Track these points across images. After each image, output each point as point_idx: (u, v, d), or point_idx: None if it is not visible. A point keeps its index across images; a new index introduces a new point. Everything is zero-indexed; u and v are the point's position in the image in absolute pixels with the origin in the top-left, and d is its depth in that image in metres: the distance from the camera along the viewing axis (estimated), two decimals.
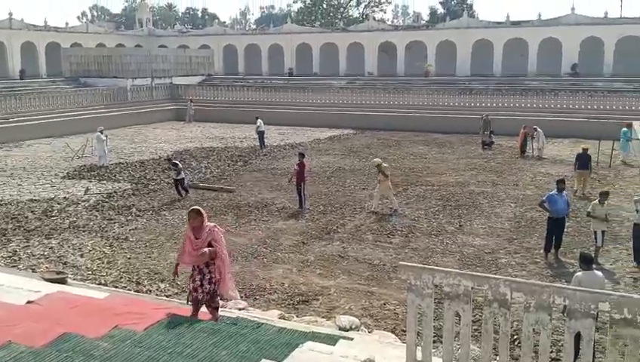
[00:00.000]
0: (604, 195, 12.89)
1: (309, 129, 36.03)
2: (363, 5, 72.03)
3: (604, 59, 42.85)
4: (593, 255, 12.25)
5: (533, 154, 26.12)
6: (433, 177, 21.45)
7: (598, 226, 12.53)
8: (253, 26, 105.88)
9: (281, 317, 8.97)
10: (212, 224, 7.78)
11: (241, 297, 10.75)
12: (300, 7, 73.64)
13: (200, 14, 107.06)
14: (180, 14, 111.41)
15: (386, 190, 16.94)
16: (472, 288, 4.64)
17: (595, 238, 12.56)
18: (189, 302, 7.67)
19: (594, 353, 7.25)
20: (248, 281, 11.57)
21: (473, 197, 18.34)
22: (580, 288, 4.73)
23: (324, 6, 71.82)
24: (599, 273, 8.56)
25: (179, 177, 18.71)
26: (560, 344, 5.05)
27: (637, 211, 12.52)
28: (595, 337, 7.35)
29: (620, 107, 32.81)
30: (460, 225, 15.26)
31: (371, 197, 17.34)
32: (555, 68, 43.91)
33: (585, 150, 19.62)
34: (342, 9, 72.41)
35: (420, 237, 14.37)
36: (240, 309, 9.50)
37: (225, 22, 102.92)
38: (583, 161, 19.30)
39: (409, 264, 4.94)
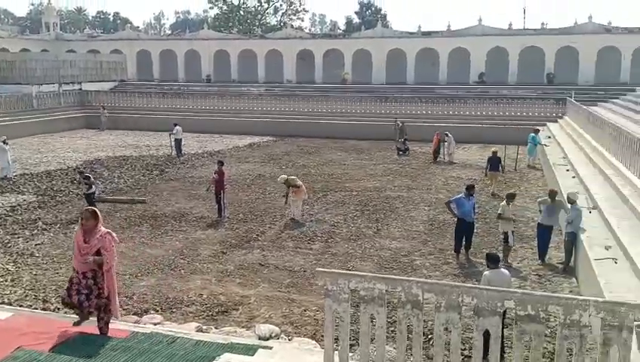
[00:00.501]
0: (512, 197, 13.61)
1: (228, 136, 35.63)
2: (280, 13, 72.40)
3: (509, 68, 45.40)
4: (502, 255, 12.92)
5: (444, 160, 27.17)
6: (352, 183, 21.79)
7: (507, 227, 13.18)
8: (168, 31, 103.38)
9: (199, 330, 8.76)
10: (105, 230, 7.30)
11: (157, 311, 10.42)
12: (217, 14, 72.80)
13: (111, 18, 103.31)
14: (90, 18, 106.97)
15: (300, 199, 16.76)
16: (386, 291, 4.73)
17: (505, 239, 13.18)
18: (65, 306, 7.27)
19: (504, 348, 7.61)
20: (164, 294, 11.21)
21: (390, 201, 18.80)
22: (487, 287, 4.94)
23: (242, 13, 71.41)
24: (506, 271, 9.01)
25: (89, 191, 17.31)
26: (472, 341, 5.26)
27: (540, 211, 13.32)
28: (506, 333, 7.73)
29: (524, 113, 34.87)
30: (378, 229, 15.58)
31: (290, 206, 17.14)
32: (463, 76, 46.00)
33: (495, 153, 21.14)
34: (259, 16, 72.31)
35: (340, 242, 14.53)
36: (155, 324, 9.19)
37: (138, 26, 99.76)
38: (494, 163, 20.79)
39: (326, 270, 4.97)
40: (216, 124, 37.96)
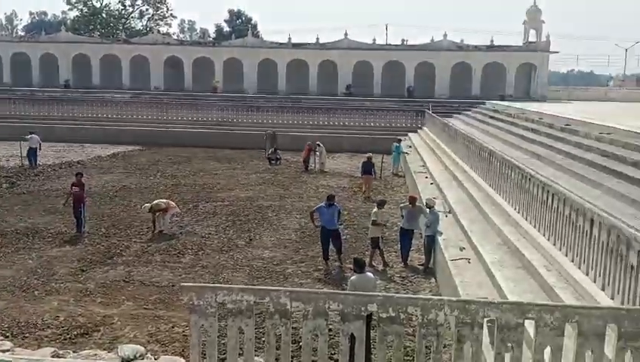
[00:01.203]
0: (382, 203, 14.23)
1: (90, 146, 33.57)
2: (146, 18, 69.72)
3: (374, 80, 47.63)
4: (369, 259, 13.44)
5: (315, 169, 27.76)
6: (224, 193, 21.48)
7: (377, 232, 13.74)
8: (22, 33, 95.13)
9: (55, 355, 8.05)
10: None
11: (7, 337, 9.44)
12: (77, 16, 68.35)
13: None
14: None
15: (169, 214, 16.15)
16: (254, 302, 4.68)
17: (374, 245, 13.72)
18: None
19: (370, 350, 7.87)
20: (15, 318, 10.21)
21: (262, 210, 18.78)
22: (352, 292, 5.07)
23: (104, 15, 67.76)
24: (371, 275, 9.36)
25: None
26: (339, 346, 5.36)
27: (402, 216, 14.05)
28: (372, 335, 8.00)
29: (388, 124, 36.74)
30: (250, 239, 15.48)
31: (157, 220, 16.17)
32: (332, 88, 47.47)
33: (369, 158, 22.68)
34: (124, 20, 69.07)
35: (211, 253, 14.21)
36: (4, 351, 8.31)
37: None
38: (367, 168, 22.26)
39: (190, 284, 4.79)
40: (75, 132, 35.63)
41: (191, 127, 36.73)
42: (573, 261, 8.67)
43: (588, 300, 7.63)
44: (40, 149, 27.35)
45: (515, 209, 12.04)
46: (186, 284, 4.73)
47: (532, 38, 48.41)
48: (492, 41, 48.05)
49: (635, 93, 54.24)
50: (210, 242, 15.18)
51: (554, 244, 9.56)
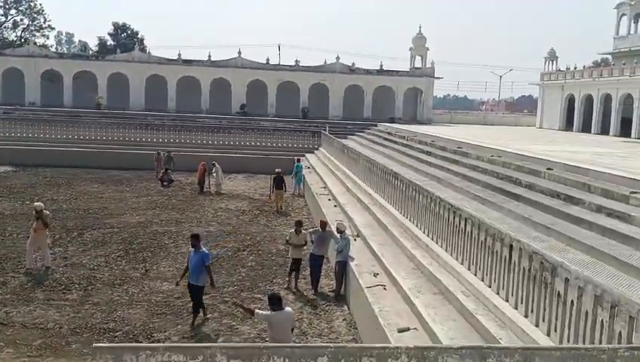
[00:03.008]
0: (300, 224, 13.76)
1: None
2: (21, 28, 64.29)
3: (268, 100, 47.33)
4: (293, 282, 12.95)
5: (211, 190, 26.69)
6: (112, 218, 19.85)
7: (297, 254, 13.26)
8: None
9: None
10: None
11: None
12: None
13: None
14: None
15: (43, 241, 14.15)
16: None
17: (294, 267, 13.26)
18: None
19: None
20: None
21: (157, 237, 17.53)
22: (298, 344, 4.50)
23: None
24: (289, 309, 8.81)
25: None
26: None
27: (312, 242, 13.64)
28: None
29: (285, 144, 36.48)
30: (146, 270, 14.27)
31: (28, 256, 14.11)
32: (226, 106, 46.46)
33: (278, 173, 23.21)
34: None
35: (102, 288, 12.86)
36: None
37: None
38: (278, 183, 22.93)
39: (103, 345, 3.97)
40: None
41: (71, 146, 34.00)
42: (490, 286, 8.70)
43: (511, 327, 7.61)
44: None
45: (425, 232, 12.08)
46: (98, 345, 3.90)
47: (418, 63, 50.79)
48: (381, 65, 49.76)
49: (508, 117, 58.76)
50: (101, 275, 13.77)
51: (468, 269, 9.59)
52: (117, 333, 10.48)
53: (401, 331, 8.54)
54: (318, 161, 31.49)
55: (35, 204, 14.91)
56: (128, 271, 14.17)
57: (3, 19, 64.00)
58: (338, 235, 13.09)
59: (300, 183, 26.80)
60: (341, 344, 4.15)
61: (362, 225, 15.01)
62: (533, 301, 7.40)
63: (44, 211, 14.47)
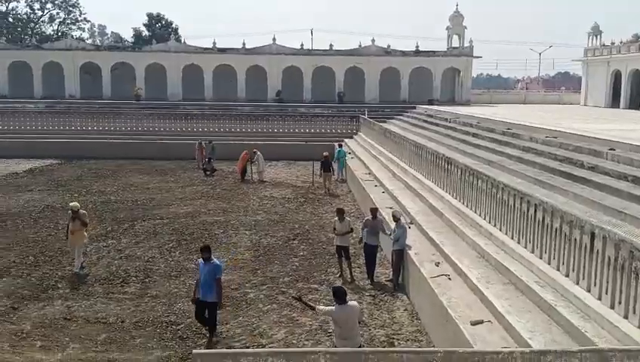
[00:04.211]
0: (341, 212, 13.48)
1: (2, 161, 30.61)
2: (57, 22, 65.29)
3: (304, 86, 47.01)
4: (348, 272, 12.77)
5: (253, 178, 26.65)
6: (161, 209, 19.96)
7: (341, 241, 13.04)
8: None
9: None
10: None
11: None
12: None
13: None
14: None
15: (80, 242, 13.46)
16: None
17: (339, 254, 13.06)
18: None
19: None
20: None
21: (207, 227, 17.53)
22: (407, 349, 4.26)
23: (10, 20, 62.87)
24: (354, 303, 8.52)
25: None
26: None
27: (364, 231, 13.28)
28: None
29: (323, 130, 36.19)
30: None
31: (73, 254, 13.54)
32: (262, 94, 46.36)
33: (326, 157, 23.97)
34: (32, 24, 64.42)
35: (159, 280, 12.89)
36: None
37: None
38: (325, 166, 23.80)
39: (204, 351, 3.82)
40: None
41: (113, 138, 34.43)
42: (568, 276, 8.31)
43: (596, 319, 7.24)
44: None
45: (486, 219, 11.68)
46: (199, 352, 3.74)
47: (455, 43, 49.67)
48: (418, 46, 48.82)
49: (550, 96, 57.11)
50: (157, 267, 13.83)
51: (540, 257, 9.21)
52: (179, 326, 10.45)
53: (474, 323, 8.23)
54: (358, 146, 31.12)
55: (71, 203, 13.96)
56: (183, 262, 14.18)
57: (40, 13, 65.17)
58: (393, 223, 12.77)
59: (343, 169, 26.51)
60: (450, 348, 3.91)
61: (415, 212, 14.67)
62: (620, 292, 7.00)
63: (81, 211, 13.76)
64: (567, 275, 8.32)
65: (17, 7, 63.93)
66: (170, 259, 14.38)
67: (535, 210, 9.36)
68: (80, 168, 28.91)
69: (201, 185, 24.96)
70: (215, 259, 10.05)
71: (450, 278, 10.20)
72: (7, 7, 62.75)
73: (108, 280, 12.86)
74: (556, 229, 8.62)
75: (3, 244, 15.44)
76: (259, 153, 26.91)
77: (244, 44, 48.22)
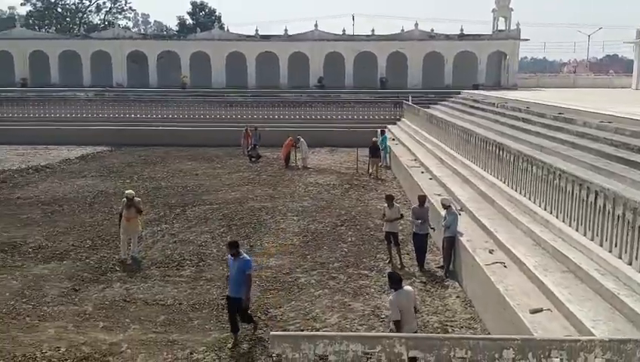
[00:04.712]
0: (390, 198, 13.46)
1: (55, 148, 31.69)
2: (104, 11, 66.86)
3: (345, 71, 46.83)
4: (397, 259, 12.78)
5: (297, 165, 26.81)
6: (210, 195, 20.33)
7: (390, 227, 13.04)
8: None
9: None
10: None
11: None
12: (30, 11, 64.99)
13: None
14: None
15: (136, 229, 13.64)
16: (363, 353, 3.85)
17: (387, 240, 13.05)
18: None
19: None
20: (10, 352, 9.04)
21: (255, 213, 17.78)
22: (481, 336, 4.27)
23: (59, 10, 64.69)
24: (409, 288, 8.56)
25: None
26: None
27: (413, 218, 13.21)
28: None
29: (366, 116, 36.03)
30: (251, 246, 14.47)
31: (122, 247, 13.51)
32: (304, 80, 46.44)
33: (374, 142, 24.36)
34: (80, 14, 66.09)
35: (213, 264, 13.18)
36: None
37: None
38: (374, 151, 24.18)
39: (282, 333, 3.92)
40: (37, 133, 33.52)
41: (161, 125, 35.12)
42: (631, 264, 8.11)
43: None
44: None
45: (542, 206, 11.45)
46: (276, 334, 3.85)
47: (501, 26, 48.50)
48: (462, 30, 47.89)
49: (600, 79, 55.22)
50: (209, 251, 14.13)
51: (600, 245, 9.00)
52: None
53: (533, 312, 8.13)
54: (401, 132, 30.88)
55: (127, 191, 13.99)
56: None
57: (87, 3, 66.78)
58: (443, 211, 12.66)
59: (386, 154, 26.36)
60: (527, 336, 3.90)
61: (465, 199, 14.50)
62: None
63: (136, 198, 13.81)
64: (630, 263, 8.12)
65: None
66: (222, 244, 14.58)
67: (595, 197, 9.14)
68: (130, 155, 29.63)
69: (247, 172, 25.28)
70: (244, 254, 9.59)
71: (505, 266, 10.07)
72: None
73: (164, 263, 13.23)
74: (618, 216, 8.40)
75: (62, 228, 16.06)
76: (302, 139, 27.04)
77: (286, 30, 48.37)
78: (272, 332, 3.93)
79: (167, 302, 11.06)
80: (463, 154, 18.42)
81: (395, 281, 8.21)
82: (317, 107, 37.36)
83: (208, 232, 15.68)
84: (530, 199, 12.13)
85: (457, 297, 11.15)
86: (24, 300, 11.09)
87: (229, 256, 9.54)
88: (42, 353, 9.03)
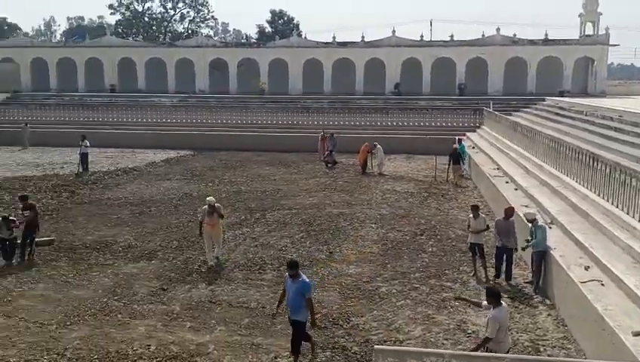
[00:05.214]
0: (476, 208, 13.08)
1: (141, 151, 33.14)
2: (187, 21, 69.63)
3: (423, 78, 46.16)
4: (482, 270, 12.38)
5: (373, 171, 26.63)
6: (288, 200, 20.55)
7: (475, 239, 12.67)
8: (59, 38, 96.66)
9: None
10: None
11: None
12: (119, 20, 68.72)
13: None
14: None
15: (219, 234, 13.81)
16: None
17: (472, 252, 12.75)
18: None
19: None
20: (103, 348, 9.46)
21: (334, 219, 17.77)
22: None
23: (146, 19, 67.95)
24: (505, 305, 8.23)
25: (10, 237, 13.68)
26: None
27: (495, 232, 12.68)
28: None
29: (444, 124, 35.33)
30: (330, 253, 14.49)
31: (207, 253, 13.61)
32: (379, 87, 46.20)
33: (455, 149, 24.01)
34: (165, 23, 69.14)
35: None
36: None
37: (27, 32, 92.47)
38: (455, 158, 23.93)
39: (386, 348, 3.83)
40: (124, 137, 35.29)
41: (239, 130, 36.01)
42: None
43: None
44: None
45: None
46: (381, 348, 3.77)
47: (588, 31, 46.26)
48: (546, 35, 46.03)
49: None
50: (290, 255, 14.14)
51: None
52: (316, 316, 10.66)
53: (637, 334, 7.59)
54: (482, 140, 30.01)
55: (208, 198, 13.94)
56: (313, 252, 14.49)
57: (172, 12, 69.73)
58: (529, 225, 12.05)
59: (465, 163, 25.70)
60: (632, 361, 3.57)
61: (556, 212, 13.83)
62: None
63: (217, 204, 13.81)
64: None
65: (152, 6, 68.86)
66: (302, 249, 14.75)
67: None
68: (211, 159, 30.49)
69: (324, 177, 25.37)
70: (303, 276, 8.99)
71: (602, 284, 9.49)
72: (143, 7, 67.81)
73: (246, 266, 13.46)
74: None
75: (149, 229, 16.71)
76: (379, 146, 26.85)
77: (362, 37, 48.32)
78: (375, 346, 3.85)
79: (251, 305, 11.22)
80: (551, 164, 17.62)
81: (495, 296, 7.90)
82: (393, 113, 37.04)
83: (288, 237, 15.83)
84: (628, 214, 11.39)
85: (548, 315, 10.61)
86: (116, 298, 11.59)
87: (288, 276, 8.93)
88: (133, 350, 9.38)
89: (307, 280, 9.06)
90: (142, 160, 30.28)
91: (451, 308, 10.97)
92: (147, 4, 67.79)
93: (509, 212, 12.78)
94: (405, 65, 46.54)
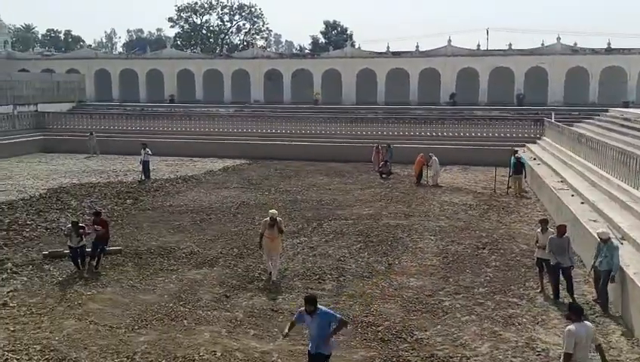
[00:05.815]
0: (545, 222, 12.72)
1: (199, 159, 33.88)
2: (243, 32, 71.11)
3: (479, 88, 45.44)
4: (539, 290, 12.00)
5: (429, 182, 26.29)
6: (344, 210, 20.55)
7: (542, 254, 12.30)
8: (120, 50, 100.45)
9: None
10: None
11: None
12: (178, 32, 70.92)
13: (62, 37, 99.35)
14: (40, 36, 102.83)
15: (278, 248, 13.55)
16: None
17: (540, 267, 12.42)
18: None
19: None
20: (171, 352, 9.68)
21: (391, 231, 17.63)
22: None
23: (204, 32, 69.81)
24: (589, 324, 7.95)
25: (80, 245, 13.76)
26: None
27: (549, 250, 12.22)
28: None
29: (502, 134, 34.56)
30: (390, 264, 14.38)
31: (266, 263, 13.61)
32: (434, 97, 45.79)
33: (518, 159, 23.39)
34: (222, 35, 70.83)
35: (353, 280, 13.24)
36: None
37: (90, 45, 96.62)
38: (518, 168, 23.25)
39: None
40: (183, 146, 36.19)
41: (294, 140, 36.33)
42: None
43: None
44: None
45: None
46: None
47: None
48: (609, 43, 44.48)
49: None
50: (348, 266, 14.22)
51: None
52: (379, 328, 10.61)
53: None
54: (543, 152, 29.17)
55: (271, 211, 13.74)
56: (373, 263, 14.41)
57: (228, 25, 71.37)
58: (602, 244, 11.50)
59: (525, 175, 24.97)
60: None
61: (627, 227, 13.26)
62: None
63: (278, 218, 13.54)
64: None
65: (210, 19, 70.69)
66: (360, 260, 14.70)
67: None
68: (266, 168, 30.86)
69: (379, 188, 25.25)
70: (321, 307, 8.19)
71: None
72: (201, 20, 69.69)
73: (305, 275, 13.51)
74: None
75: (210, 236, 17.04)
76: (435, 158, 26.49)
77: (417, 46, 48.18)
78: None
79: None
80: (620, 178, 16.93)
81: (576, 312, 7.70)
82: (449, 124, 36.50)
83: (345, 247, 15.80)
84: None
85: (622, 334, 10.18)
86: (181, 303, 11.84)
87: (305, 313, 8.05)
88: (200, 356, 9.55)
89: (327, 309, 8.48)
90: (200, 168, 30.94)
91: (519, 324, 10.67)
92: (205, 17, 69.72)
93: (562, 229, 12.19)
94: (461, 74, 46.00)
